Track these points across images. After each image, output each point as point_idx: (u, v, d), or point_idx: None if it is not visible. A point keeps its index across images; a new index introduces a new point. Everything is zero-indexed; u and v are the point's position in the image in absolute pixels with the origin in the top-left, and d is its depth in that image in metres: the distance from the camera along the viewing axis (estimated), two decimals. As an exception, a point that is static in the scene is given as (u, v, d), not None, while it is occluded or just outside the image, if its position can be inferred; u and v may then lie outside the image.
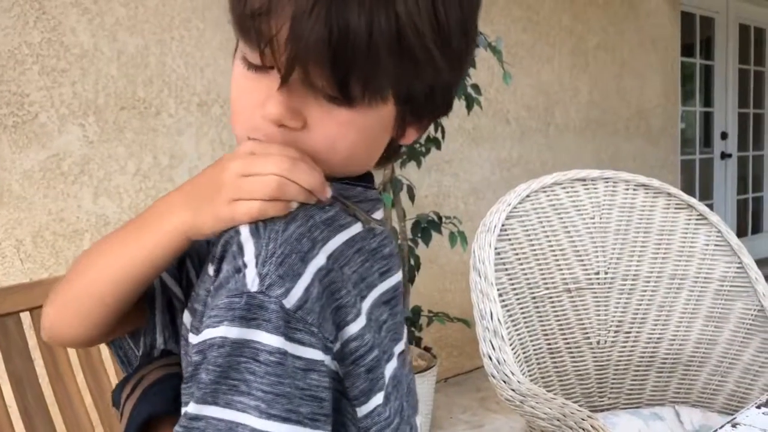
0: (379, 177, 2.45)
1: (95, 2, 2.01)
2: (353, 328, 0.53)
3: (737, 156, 5.28)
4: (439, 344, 2.96)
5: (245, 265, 0.49)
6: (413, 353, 2.39)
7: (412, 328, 2.46)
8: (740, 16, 5.14)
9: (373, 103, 0.52)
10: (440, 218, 2.45)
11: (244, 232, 0.51)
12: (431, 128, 2.50)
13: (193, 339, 0.50)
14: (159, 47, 2.14)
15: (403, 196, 2.44)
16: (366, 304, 0.56)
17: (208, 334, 0.48)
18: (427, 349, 2.48)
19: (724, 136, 5.15)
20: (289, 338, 0.48)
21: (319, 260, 0.51)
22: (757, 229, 5.56)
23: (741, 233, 5.22)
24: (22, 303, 1.05)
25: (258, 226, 0.51)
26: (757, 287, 1.44)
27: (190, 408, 0.48)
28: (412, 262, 2.46)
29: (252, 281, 0.48)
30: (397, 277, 0.64)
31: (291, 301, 0.48)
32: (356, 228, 0.57)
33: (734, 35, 5.13)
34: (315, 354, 0.49)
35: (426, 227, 2.40)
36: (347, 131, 0.54)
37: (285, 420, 0.47)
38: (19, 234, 1.91)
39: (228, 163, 0.54)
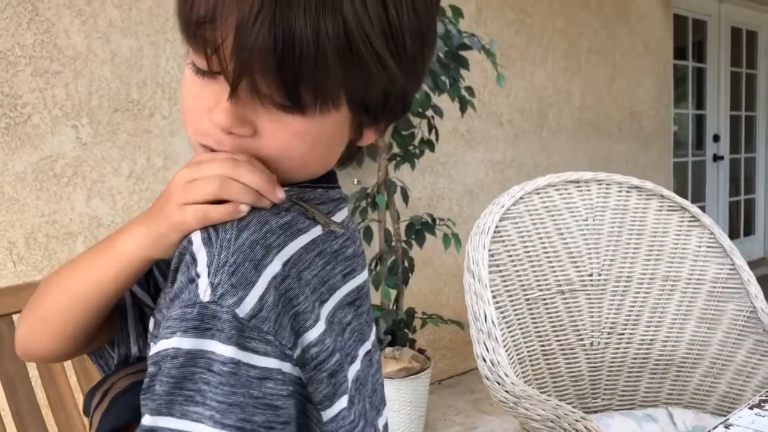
0: (373, 178, 2.46)
1: (89, 4, 2.01)
2: (312, 334, 0.53)
3: (729, 158, 5.31)
4: (433, 346, 2.96)
5: (198, 275, 0.49)
6: (407, 355, 2.39)
7: (406, 330, 2.46)
8: (732, 19, 5.17)
9: (324, 110, 0.52)
10: (434, 220, 2.45)
11: (196, 241, 0.51)
12: (425, 130, 2.51)
13: (151, 349, 0.50)
14: (153, 49, 2.13)
15: (397, 197, 2.45)
16: (326, 308, 0.56)
17: (163, 345, 0.48)
18: (421, 351, 2.48)
19: (716, 138, 5.18)
20: (243, 347, 0.48)
21: (274, 267, 0.51)
22: (749, 231, 5.59)
23: (733, 235, 5.25)
24: (15, 305, 1.05)
25: (210, 234, 0.51)
26: (749, 288, 1.44)
27: (146, 420, 0.48)
28: (406, 263, 2.46)
29: (204, 291, 0.48)
30: (362, 277, 0.64)
31: (244, 309, 0.48)
32: (316, 231, 0.57)
33: (726, 38, 5.15)
34: (270, 362, 0.49)
35: (420, 229, 2.41)
36: (299, 138, 0.53)
37: (239, 429, 0.47)
38: (12, 236, 1.90)
39: (177, 174, 0.55)
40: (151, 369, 0.49)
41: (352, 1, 0.48)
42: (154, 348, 0.49)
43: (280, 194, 0.54)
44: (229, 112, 0.52)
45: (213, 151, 0.55)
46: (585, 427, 1.03)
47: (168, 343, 0.48)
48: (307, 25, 0.47)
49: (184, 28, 0.51)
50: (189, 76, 0.55)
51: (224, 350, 0.48)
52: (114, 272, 0.58)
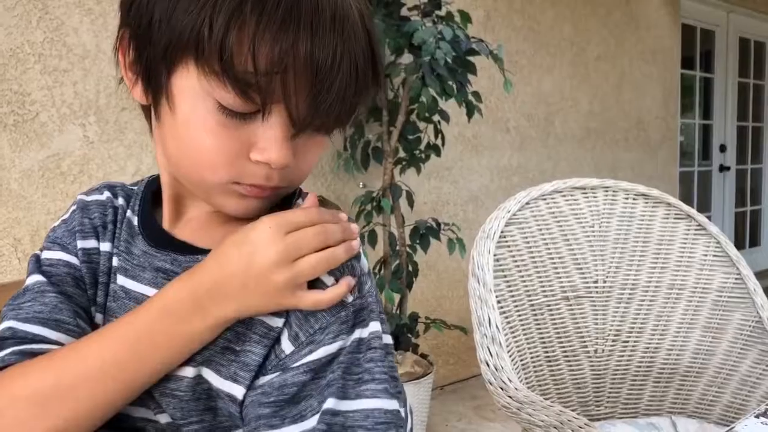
0: (378, 182, 2.46)
1: (98, 3, 2.02)
2: None
3: (736, 169, 5.29)
4: (436, 351, 2.95)
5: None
6: (409, 360, 2.38)
7: (409, 335, 2.46)
8: (740, 30, 5.16)
9: None
10: (439, 225, 2.45)
11: None
12: (431, 135, 2.51)
13: (292, 364, 0.56)
14: (161, 49, 2.14)
15: (402, 202, 2.44)
16: None
17: (324, 351, 0.56)
18: (423, 356, 2.48)
19: (722, 148, 5.17)
20: (382, 322, 0.60)
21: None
22: (754, 242, 5.56)
23: (739, 246, 5.22)
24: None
25: None
26: (755, 298, 1.44)
27: (330, 404, 0.54)
28: (410, 268, 2.46)
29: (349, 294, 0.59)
30: None
31: (373, 292, 0.61)
32: None
33: (734, 48, 5.15)
34: (388, 338, 0.60)
35: (424, 234, 2.40)
36: (321, 151, 0.62)
37: (397, 396, 0.56)
38: (18, 233, 1.91)
39: (262, 253, 0.56)
40: (303, 377, 0.55)
41: (367, 30, 0.57)
42: (309, 357, 0.55)
43: (354, 228, 0.61)
44: (289, 148, 0.56)
45: (256, 187, 0.59)
46: (588, 434, 1.02)
47: (331, 347, 0.56)
48: (365, 59, 0.56)
49: (238, 78, 0.52)
50: (215, 121, 0.55)
51: (377, 327, 0.58)
52: (186, 354, 0.57)
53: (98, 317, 0.63)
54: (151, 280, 0.62)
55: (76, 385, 0.54)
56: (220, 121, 0.55)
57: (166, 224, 0.66)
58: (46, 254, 0.65)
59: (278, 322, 0.57)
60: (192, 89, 0.54)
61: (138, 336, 0.55)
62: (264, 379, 0.56)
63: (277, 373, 0.55)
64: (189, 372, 0.57)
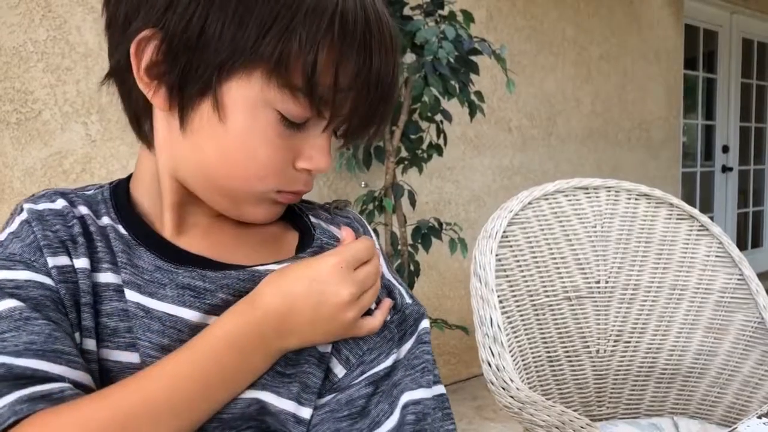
0: (380, 181, 2.45)
1: (101, 1, 2.02)
2: None
3: (738, 170, 5.28)
4: (437, 351, 2.95)
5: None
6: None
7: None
8: (744, 31, 5.16)
9: None
10: (440, 224, 2.45)
11: None
12: (433, 134, 2.50)
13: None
14: (164, 48, 2.14)
15: (404, 201, 2.44)
16: None
17: (381, 366, 0.61)
18: (425, 355, 2.47)
19: (725, 149, 5.16)
20: (417, 313, 0.68)
21: None
22: (757, 243, 5.55)
23: (741, 247, 5.22)
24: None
25: None
26: (757, 299, 1.43)
27: (436, 390, 0.63)
28: (412, 267, 2.46)
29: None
30: None
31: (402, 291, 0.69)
32: None
33: (737, 49, 5.14)
34: (426, 322, 0.68)
35: (426, 233, 2.40)
36: None
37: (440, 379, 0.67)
38: (19, 231, 1.91)
39: (334, 292, 0.56)
40: (367, 389, 0.59)
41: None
42: (378, 367, 0.60)
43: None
44: (331, 155, 0.60)
45: (294, 193, 0.62)
46: (590, 434, 1.02)
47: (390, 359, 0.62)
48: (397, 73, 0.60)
49: (313, 93, 0.55)
50: (275, 132, 0.57)
51: (423, 324, 0.66)
52: (246, 385, 0.56)
53: (88, 343, 0.55)
54: (177, 298, 0.57)
55: (140, 428, 0.50)
56: (279, 132, 0.57)
57: (168, 233, 0.62)
58: (6, 275, 0.55)
59: (328, 347, 0.59)
60: (251, 99, 0.55)
61: (208, 373, 0.53)
62: (326, 399, 0.58)
63: (336, 393, 0.58)
64: (245, 395, 0.56)
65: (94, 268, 0.57)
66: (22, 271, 0.55)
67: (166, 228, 0.62)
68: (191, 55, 0.54)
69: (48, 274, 0.56)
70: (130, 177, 0.66)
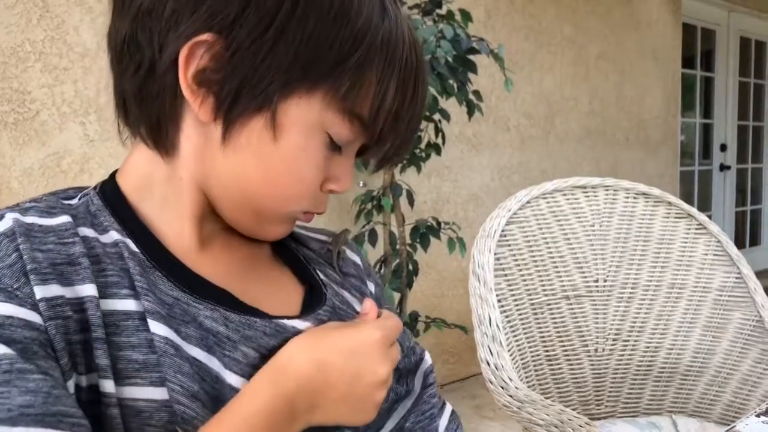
0: (378, 181, 2.45)
1: (99, 1, 2.02)
2: None
3: (736, 168, 5.29)
4: (436, 351, 2.95)
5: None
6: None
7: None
8: (741, 29, 5.16)
9: None
10: (439, 224, 2.45)
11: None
12: (432, 134, 2.50)
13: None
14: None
15: (403, 201, 2.44)
16: None
17: (392, 423, 0.66)
18: (423, 354, 2.47)
19: (723, 148, 5.17)
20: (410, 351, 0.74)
21: None
22: (754, 241, 5.56)
23: (739, 245, 5.21)
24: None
25: None
26: (755, 297, 1.44)
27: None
28: (411, 267, 2.46)
29: None
30: None
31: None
32: None
33: (735, 48, 5.14)
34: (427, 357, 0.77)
35: (425, 233, 2.40)
36: None
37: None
38: (18, 231, 1.90)
39: (372, 370, 0.53)
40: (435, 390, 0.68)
41: None
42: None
43: None
44: None
45: (310, 213, 0.61)
46: (589, 433, 1.02)
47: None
48: None
49: (373, 120, 0.56)
50: (320, 154, 0.56)
51: (425, 363, 0.72)
52: None
53: (106, 384, 0.47)
54: (201, 341, 0.51)
55: None
56: (324, 155, 0.56)
57: (184, 250, 0.56)
58: None
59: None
60: (309, 121, 0.54)
61: None
62: None
63: None
64: None
65: (106, 294, 0.49)
66: (2, 304, 0.44)
67: (184, 243, 0.56)
68: (255, 69, 0.51)
69: (35, 307, 0.45)
70: (113, 180, 0.58)
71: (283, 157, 0.54)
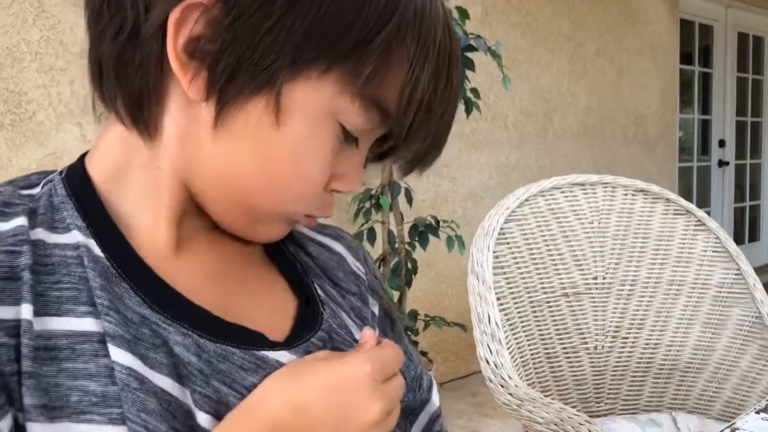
0: (377, 180, 2.45)
1: None
2: None
3: (735, 164, 5.29)
4: (435, 349, 2.95)
5: None
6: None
7: (408, 332, 2.46)
8: (739, 25, 5.16)
9: None
10: (438, 222, 2.44)
11: None
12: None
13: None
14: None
15: (401, 199, 2.44)
16: None
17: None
18: (423, 353, 2.48)
19: (721, 143, 5.17)
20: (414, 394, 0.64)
21: None
22: (753, 237, 5.56)
23: (738, 241, 5.21)
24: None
25: None
26: (755, 294, 1.43)
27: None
28: (409, 265, 2.46)
29: None
30: None
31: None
32: None
33: (733, 43, 5.14)
34: (435, 398, 0.66)
35: (423, 231, 2.40)
36: None
37: None
38: (15, 233, 1.90)
39: (362, 409, 0.44)
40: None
41: None
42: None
43: None
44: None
45: (312, 217, 0.52)
46: (589, 431, 1.02)
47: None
48: None
49: (404, 110, 0.47)
50: (329, 147, 0.48)
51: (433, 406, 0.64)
52: None
53: (35, 429, 0.39)
54: (172, 368, 0.44)
55: None
56: (334, 148, 0.48)
57: (159, 251, 0.48)
58: None
59: None
60: (318, 106, 0.46)
61: None
62: None
63: None
64: None
65: (60, 311, 0.42)
66: None
67: (159, 244, 0.48)
68: (259, 41, 0.42)
69: None
70: (82, 163, 0.50)
71: (285, 147, 0.46)
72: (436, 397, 0.62)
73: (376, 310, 0.61)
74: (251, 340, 0.48)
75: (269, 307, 0.53)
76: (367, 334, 0.49)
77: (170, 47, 0.43)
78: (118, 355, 0.41)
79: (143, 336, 0.43)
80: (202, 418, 0.43)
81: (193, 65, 0.44)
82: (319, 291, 0.56)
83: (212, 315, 0.47)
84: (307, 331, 0.52)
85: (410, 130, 0.48)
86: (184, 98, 0.45)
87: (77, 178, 0.49)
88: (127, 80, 0.46)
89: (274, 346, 0.49)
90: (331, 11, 0.42)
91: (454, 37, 0.49)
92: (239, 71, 0.43)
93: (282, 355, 0.48)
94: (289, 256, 0.57)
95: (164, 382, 0.43)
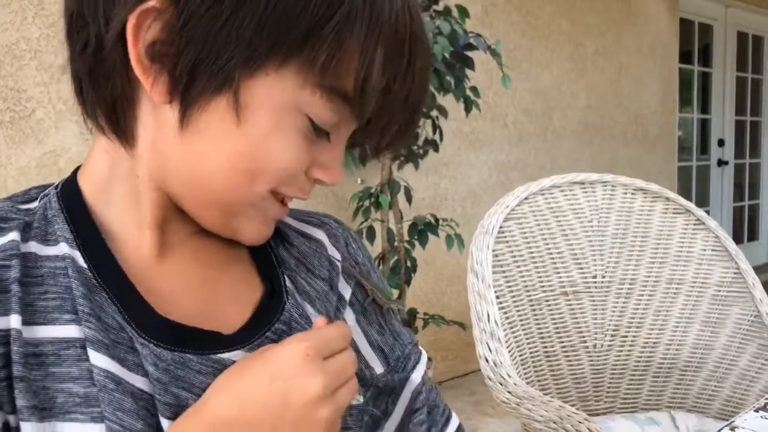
0: (376, 178, 2.45)
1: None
2: None
3: (734, 163, 5.29)
4: (434, 347, 2.95)
5: None
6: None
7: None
8: (739, 24, 5.16)
9: None
10: (437, 220, 2.45)
11: None
12: (429, 130, 2.50)
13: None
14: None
15: (401, 197, 2.44)
16: None
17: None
18: (422, 351, 2.48)
19: (721, 143, 5.17)
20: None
21: None
22: (752, 236, 5.57)
23: (737, 240, 5.19)
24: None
25: None
26: (754, 293, 1.44)
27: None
28: (409, 264, 2.46)
29: None
30: None
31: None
32: None
33: (732, 43, 5.14)
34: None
35: (423, 229, 2.40)
36: None
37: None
38: (14, 230, 1.90)
39: (302, 388, 0.45)
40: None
41: None
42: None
43: None
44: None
45: (286, 205, 0.54)
46: (588, 429, 1.02)
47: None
48: None
49: (361, 98, 0.48)
50: (298, 138, 0.48)
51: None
52: None
53: (27, 428, 0.43)
54: (153, 374, 0.46)
55: None
56: (305, 138, 0.49)
57: (141, 262, 0.50)
58: None
59: None
60: (280, 101, 0.46)
61: None
62: None
63: None
64: None
65: (47, 320, 0.45)
66: None
67: (143, 253, 0.50)
68: (212, 41, 0.44)
69: None
70: (75, 176, 0.53)
71: (249, 142, 0.47)
72: (417, 375, 0.62)
73: (347, 294, 0.60)
74: (212, 342, 0.49)
75: (237, 305, 0.53)
76: (319, 322, 0.51)
77: (131, 53, 0.44)
78: (97, 358, 0.44)
79: (122, 340, 0.46)
80: (165, 424, 0.45)
81: (154, 69, 0.45)
82: (288, 282, 0.56)
83: (174, 323, 0.48)
84: (265, 323, 0.52)
85: (373, 114, 0.49)
86: (150, 104, 0.47)
87: (69, 191, 0.51)
88: (101, 92, 0.48)
89: (231, 345, 0.49)
90: (280, 5, 0.43)
91: (417, 18, 0.49)
92: (198, 72, 0.45)
93: (237, 355, 0.49)
94: (268, 250, 0.58)
95: (142, 382, 0.45)
